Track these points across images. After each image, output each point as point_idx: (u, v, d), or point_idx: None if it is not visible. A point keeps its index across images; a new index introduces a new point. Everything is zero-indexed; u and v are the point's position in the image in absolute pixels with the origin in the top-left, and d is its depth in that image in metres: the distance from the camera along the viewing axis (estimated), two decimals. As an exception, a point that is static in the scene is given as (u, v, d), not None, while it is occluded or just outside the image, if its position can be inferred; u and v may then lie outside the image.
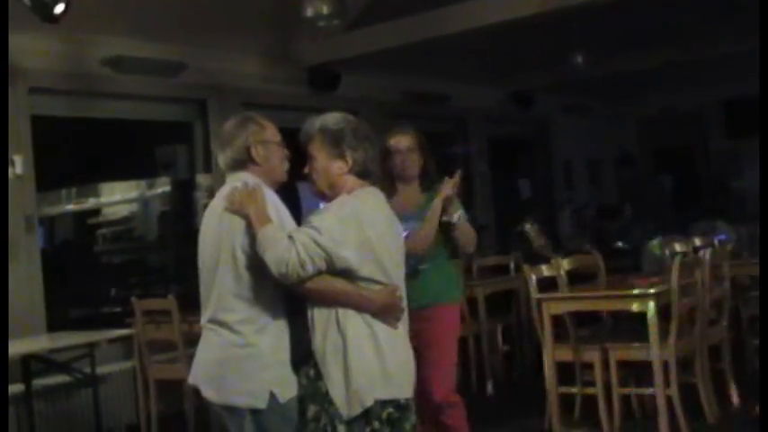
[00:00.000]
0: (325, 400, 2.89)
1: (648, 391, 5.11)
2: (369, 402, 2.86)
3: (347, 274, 2.88)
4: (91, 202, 9.34)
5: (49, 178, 6.95)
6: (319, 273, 2.84)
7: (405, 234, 3.27)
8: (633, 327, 5.26)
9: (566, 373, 5.40)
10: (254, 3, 7.04)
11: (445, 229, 4.04)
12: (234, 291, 2.95)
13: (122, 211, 9.40)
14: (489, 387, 6.86)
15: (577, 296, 5.40)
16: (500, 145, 11.35)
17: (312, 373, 2.93)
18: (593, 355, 5.21)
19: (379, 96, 8.83)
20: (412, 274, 3.49)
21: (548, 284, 5.61)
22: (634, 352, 5.10)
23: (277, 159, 3.14)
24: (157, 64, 7.01)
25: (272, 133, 3.14)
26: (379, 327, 2.92)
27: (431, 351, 3.84)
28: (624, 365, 5.22)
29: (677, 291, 4.89)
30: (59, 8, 4.72)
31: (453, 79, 9.76)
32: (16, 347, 5.15)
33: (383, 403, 2.88)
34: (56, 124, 6.88)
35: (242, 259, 2.92)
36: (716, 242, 6.71)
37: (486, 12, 7.13)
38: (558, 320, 5.39)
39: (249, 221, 2.89)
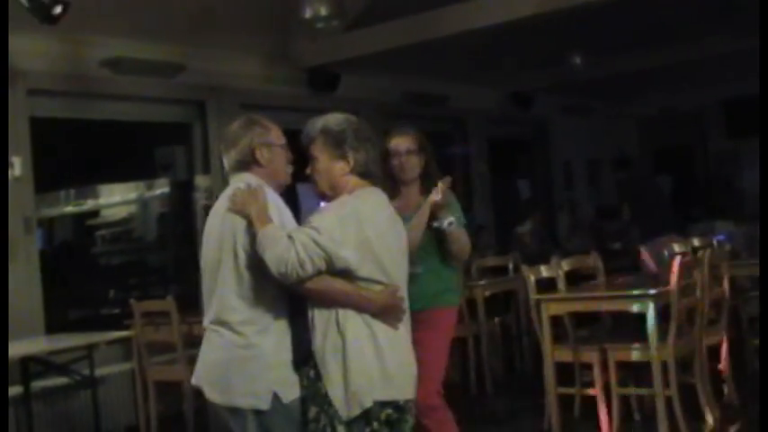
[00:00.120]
0: (324, 400, 2.89)
1: (648, 391, 5.10)
2: (368, 403, 2.86)
3: (347, 273, 2.88)
4: (90, 204, 9.32)
5: (47, 180, 6.95)
6: (319, 273, 2.84)
7: None
8: (632, 327, 5.26)
9: (565, 373, 5.40)
10: (253, 4, 7.04)
11: (437, 234, 4.00)
12: (236, 291, 2.96)
13: (121, 212, 9.39)
14: (489, 387, 6.86)
15: (576, 297, 5.40)
16: (499, 145, 11.35)
17: (312, 373, 2.93)
18: (592, 355, 5.21)
19: (378, 97, 8.83)
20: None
21: (547, 285, 5.62)
22: (633, 352, 5.10)
23: (281, 162, 3.15)
24: (156, 65, 7.01)
25: (276, 136, 3.16)
26: (379, 327, 2.92)
27: (419, 351, 3.79)
28: (623, 366, 5.22)
29: (676, 291, 4.88)
30: (58, 9, 4.72)
31: (453, 80, 9.76)
32: (15, 349, 5.14)
33: (382, 404, 2.88)
34: (54, 126, 6.87)
35: (243, 259, 2.94)
36: (715, 242, 6.71)
37: (486, 12, 7.13)
38: (557, 321, 5.39)
39: (250, 221, 2.90)
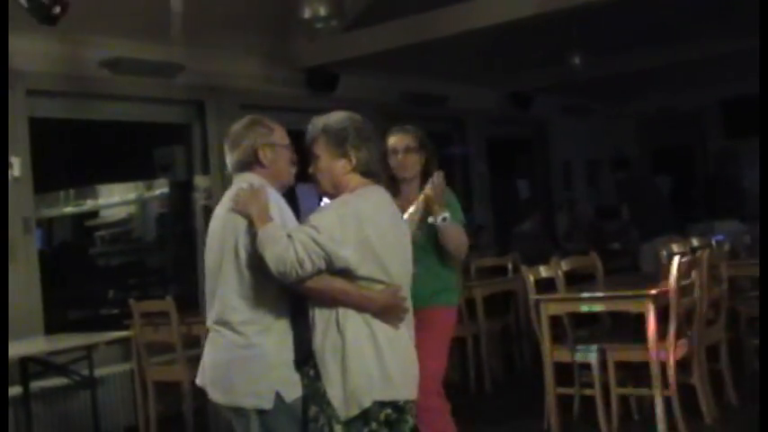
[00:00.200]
0: (323, 400, 2.88)
1: (646, 391, 5.10)
2: (366, 403, 2.85)
3: (347, 273, 2.87)
4: (89, 204, 9.33)
5: (46, 180, 6.94)
6: (319, 272, 2.83)
7: None
8: (631, 327, 5.26)
9: (564, 373, 5.40)
10: (251, 4, 7.04)
11: (436, 233, 3.94)
12: (237, 291, 2.97)
13: (120, 212, 9.40)
14: (488, 387, 6.86)
15: (575, 297, 5.40)
16: (499, 145, 11.35)
17: (312, 373, 2.93)
18: (591, 355, 5.21)
19: (377, 97, 8.82)
20: None
21: (546, 285, 5.62)
22: (632, 353, 5.10)
23: (284, 162, 3.16)
24: (155, 65, 7.01)
25: (280, 136, 3.17)
26: (380, 327, 2.91)
27: (417, 351, 3.73)
28: (622, 366, 5.22)
29: (675, 291, 4.88)
30: (57, 9, 4.72)
31: (452, 80, 9.76)
32: (14, 349, 5.14)
33: (381, 404, 2.87)
34: (54, 126, 6.87)
35: (244, 259, 2.95)
36: (714, 242, 6.71)
37: (485, 13, 7.13)
38: (556, 321, 5.39)
39: (251, 221, 2.91)
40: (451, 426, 3.98)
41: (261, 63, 7.97)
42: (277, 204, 2.99)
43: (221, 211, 3.07)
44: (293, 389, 2.94)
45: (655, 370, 4.88)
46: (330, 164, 3.05)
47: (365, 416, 2.86)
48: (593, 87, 10.78)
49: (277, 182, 3.13)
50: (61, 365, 5.74)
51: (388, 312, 2.93)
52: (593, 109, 12.55)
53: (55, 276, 6.87)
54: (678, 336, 4.93)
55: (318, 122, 3.09)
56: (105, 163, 8.29)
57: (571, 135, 12.23)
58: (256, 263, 2.89)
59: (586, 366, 5.29)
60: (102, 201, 9.39)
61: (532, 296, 5.42)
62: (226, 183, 3.17)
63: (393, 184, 3.99)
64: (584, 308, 5.32)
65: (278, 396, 2.92)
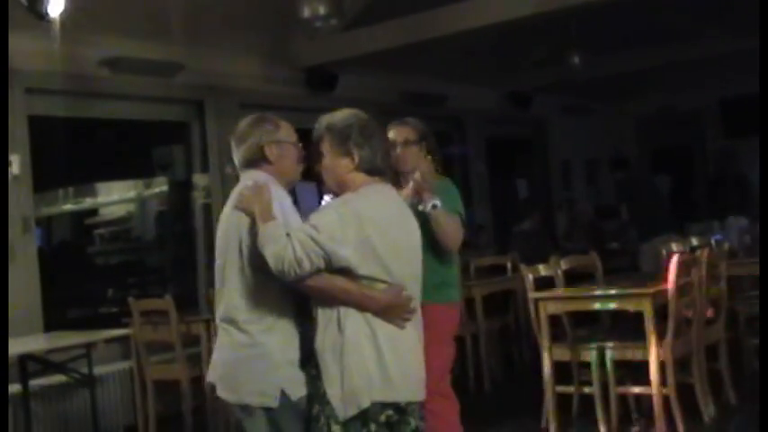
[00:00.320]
0: (323, 399, 2.87)
1: (645, 390, 5.10)
2: (365, 404, 2.82)
3: (347, 272, 2.86)
4: (88, 203, 9.32)
5: (45, 178, 6.93)
6: (318, 271, 2.82)
7: None
8: (630, 326, 5.26)
9: (563, 372, 5.40)
10: (251, 4, 7.04)
11: (428, 224, 3.73)
12: (240, 289, 2.98)
13: (119, 211, 9.39)
14: (487, 386, 6.87)
15: (575, 296, 5.40)
16: (498, 145, 11.35)
17: (314, 371, 2.92)
18: (590, 354, 5.21)
19: (376, 97, 8.81)
20: None
21: (545, 284, 5.62)
22: (631, 352, 5.10)
23: (290, 159, 3.17)
24: (155, 64, 7.00)
25: (286, 133, 3.17)
26: (381, 327, 2.88)
27: None
28: (621, 365, 5.22)
29: (674, 291, 4.88)
30: (56, 8, 4.72)
31: (451, 80, 9.76)
32: (13, 347, 5.13)
33: (382, 405, 2.84)
34: (53, 125, 6.86)
35: (247, 257, 2.95)
36: (713, 242, 6.71)
37: (484, 12, 7.13)
38: (555, 320, 5.39)
39: (254, 219, 2.91)
40: (456, 429, 3.87)
41: (260, 62, 7.96)
42: (280, 202, 2.99)
43: (227, 209, 3.08)
44: (298, 387, 2.94)
45: (654, 369, 4.88)
46: (334, 162, 3.04)
47: (364, 416, 2.83)
48: (593, 87, 10.78)
49: (283, 179, 3.13)
50: (60, 364, 5.74)
51: (391, 312, 2.89)
52: (593, 109, 12.54)
53: (54, 274, 6.86)
54: (677, 335, 4.93)
55: (324, 121, 3.09)
56: (105, 161, 8.28)
57: (570, 135, 12.23)
58: (259, 261, 2.88)
59: (585, 365, 5.29)
60: (101, 199, 9.39)
61: (532, 295, 5.41)
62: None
63: (395, 179, 3.91)
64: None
65: (283, 394, 2.92)
